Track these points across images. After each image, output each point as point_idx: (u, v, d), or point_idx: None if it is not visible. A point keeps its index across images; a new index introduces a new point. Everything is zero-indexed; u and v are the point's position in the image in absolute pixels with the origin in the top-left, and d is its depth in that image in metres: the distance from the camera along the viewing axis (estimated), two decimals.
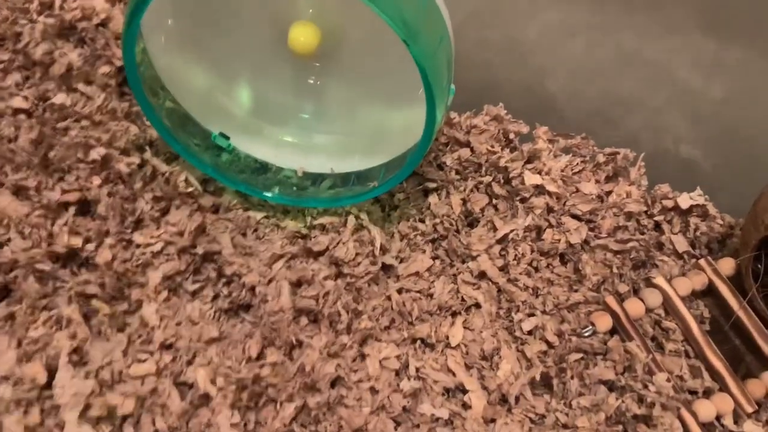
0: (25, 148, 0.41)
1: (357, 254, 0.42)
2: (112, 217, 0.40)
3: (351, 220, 0.44)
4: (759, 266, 0.40)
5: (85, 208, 0.41)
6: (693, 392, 0.38)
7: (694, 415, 0.36)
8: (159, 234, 0.41)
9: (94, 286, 0.38)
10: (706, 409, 0.36)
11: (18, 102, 0.43)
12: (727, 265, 0.41)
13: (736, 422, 0.37)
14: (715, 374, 0.38)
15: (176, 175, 0.43)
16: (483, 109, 0.49)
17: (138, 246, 0.40)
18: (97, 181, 0.41)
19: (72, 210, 0.40)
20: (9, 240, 0.38)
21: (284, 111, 0.47)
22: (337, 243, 0.43)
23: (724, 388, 0.38)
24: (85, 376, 0.34)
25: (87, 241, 0.39)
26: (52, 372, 0.34)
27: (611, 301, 0.40)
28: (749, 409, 0.36)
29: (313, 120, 0.47)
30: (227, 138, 0.45)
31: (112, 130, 0.42)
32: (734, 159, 0.50)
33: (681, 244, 0.45)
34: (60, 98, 0.43)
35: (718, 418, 0.37)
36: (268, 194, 0.44)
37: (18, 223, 0.38)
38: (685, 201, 0.46)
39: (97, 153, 0.40)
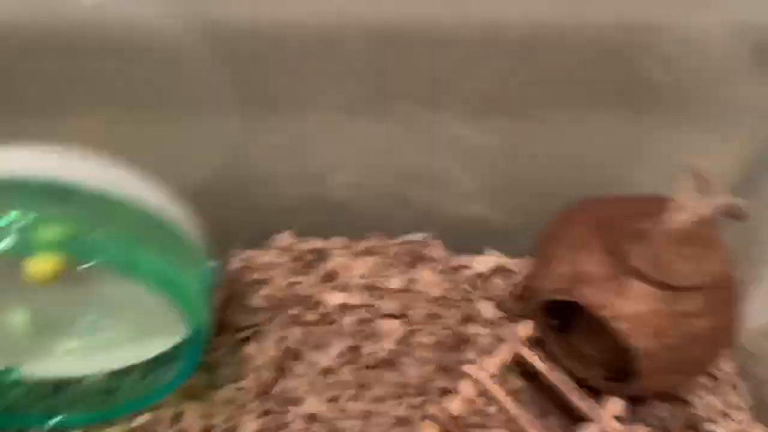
0: None
1: None
2: None
3: (166, 411, 0.42)
4: (554, 321, 0.42)
5: None
6: None
7: None
8: None
9: None
10: None
11: None
12: (527, 326, 0.43)
13: None
14: None
15: None
16: (272, 243, 0.48)
17: None
18: None
19: None
20: None
21: (65, 320, 0.44)
22: None
23: None
24: None
25: None
26: None
27: (435, 412, 0.41)
28: None
29: (99, 318, 0.45)
30: (13, 369, 0.42)
31: None
32: (519, 206, 0.52)
33: (488, 310, 0.47)
34: None
35: None
36: (70, 418, 0.41)
37: None
38: (481, 264, 0.48)
39: None
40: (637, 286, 0.34)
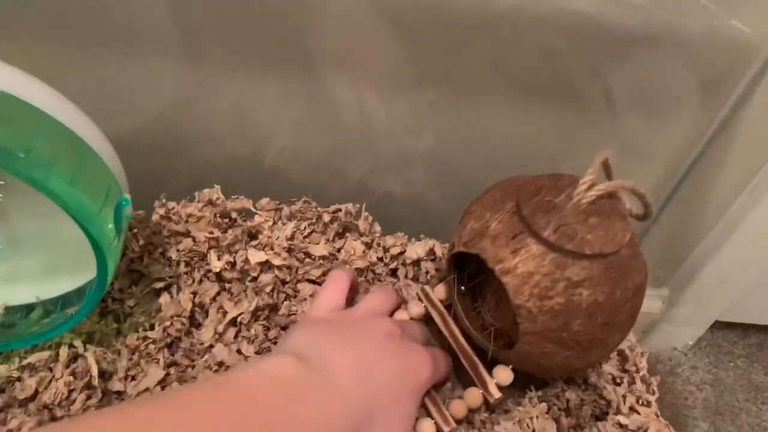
0: None
1: (71, 390, 0.39)
2: None
3: (64, 350, 0.40)
4: (462, 288, 0.42)
5: None
6: None
7: None
8: None
9: None
10: None
11: None
12: (441, 290, 0.43)
13: None
14: None
15: None
16: (198, 197, 0.47)
17: None
18: None
19: None
20: None
21: None
22: (49, 382, 0.39)
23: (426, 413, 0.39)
24: None
25: None
26: None
27: None
28: (446, 429, 0.38)
29: (8, 247, 0.43)
30: None
31: None
32: (455, 193, 0.52)
33: (411, 287, 0.47)
34: None
35: None
36: None
37: None
38: (413, 251, 0.48)
39: None
40: (534, 247, 0.34)
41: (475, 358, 0.41)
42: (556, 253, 0.35)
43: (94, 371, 0.39)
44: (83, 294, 0.40)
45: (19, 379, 0.40)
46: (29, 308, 0.42)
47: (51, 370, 0.39)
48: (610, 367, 0.45)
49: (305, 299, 0.45)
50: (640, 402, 0.44)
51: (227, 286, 0.45)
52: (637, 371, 0.45)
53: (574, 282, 0.34)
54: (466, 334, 0.42)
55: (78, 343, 0.41)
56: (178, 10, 0.44)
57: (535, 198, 0.37)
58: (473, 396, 0.40)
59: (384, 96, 0.51)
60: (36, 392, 0.38)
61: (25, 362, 0.40)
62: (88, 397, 0.39)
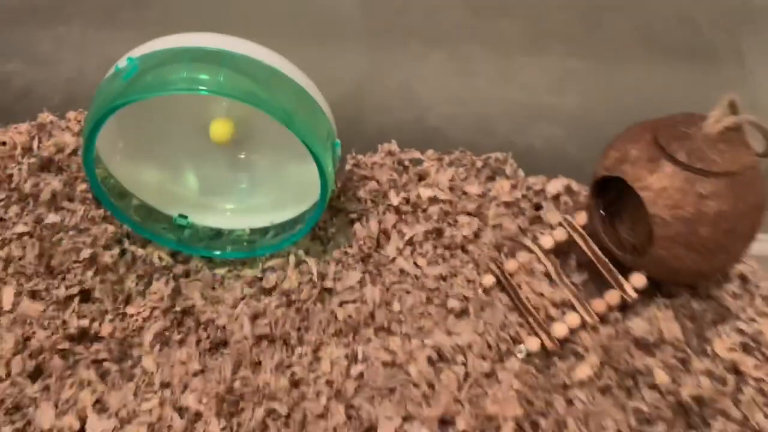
0: (32, 261, 0.53)
1: (300, 283, 0.54)
2: (107, 299, 0.52)
3: (292, 258, 0.56)
4: (601, 212, 0.51)
5: (86, 296, 0.53)
6: None
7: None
8: (145, 303, 0.52)
9: (104, 353, 0.49)
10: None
11: (20, 228, 0.55)
12: (581, 215, 0.53)
13: None
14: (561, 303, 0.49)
15: (151, 254, 0.55)
16: (378, 149, 0.61)
17: (131, 316, 0.52)
18: (90, 274, 0.53)
19: (76, 300, 0.52)
20: (34, 333, 0.50)
21: (225, 186, 0.59)
22: (284, 278, 0.54)
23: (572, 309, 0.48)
24: (108, 418, 0.45)
25: (92, 320, 0.51)
26: (83, 420, 0.45)
27: (494, 268, 0.52)
28: (589, 320, 0.47)
29: (250, 188, 0.59)
30: (185, 217, 0.57)
31: (94, 233, 0.54)
32: (589, 145, 0.61)
33: (555, 216, 0.57)
34: (51, 218, 0.56)
35: None
36: (225, 253, 0.56)
37: (38, 318, 0.50)
38: (553, 187, 0.58)
39: (86, 253, 0.53)
40: (668, 167, 0.43)
41: (614, 268, 0.50)
42: (688, 171, 0.43)
43: (315, 271, 0.54)
44: (303, 219, 0.55)
45: (261, 278, 0.55)
46: (265, 230, 0.58)
47: (285, 270, 0.55)
48: (731, 286, 0.52)
49: (464, 226, 0.56)
50: (759, 314, 0.50)
51: (403, 216, 0.58)
52: (758, 289, 0.51)
53: (703, 195, 0.42)
54: (606, 250, 0.51)
55: (301, 252, 0.56)
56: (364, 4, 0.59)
57: (671, 130, 0.45)
58: (612, 296, 0.49)
59: (526, 61, 0.61)
60: (276, 285, 0.54)
61: (266, 265, 0.56)
62: (313, 287, 0.53)
